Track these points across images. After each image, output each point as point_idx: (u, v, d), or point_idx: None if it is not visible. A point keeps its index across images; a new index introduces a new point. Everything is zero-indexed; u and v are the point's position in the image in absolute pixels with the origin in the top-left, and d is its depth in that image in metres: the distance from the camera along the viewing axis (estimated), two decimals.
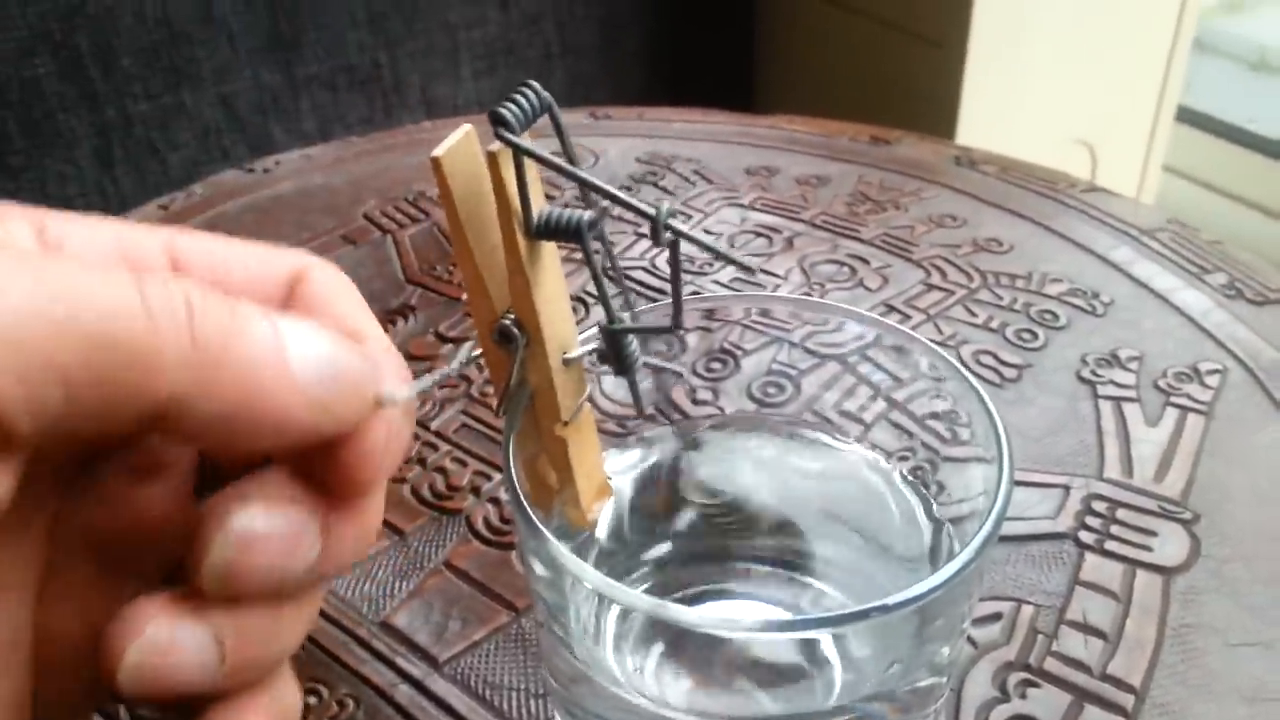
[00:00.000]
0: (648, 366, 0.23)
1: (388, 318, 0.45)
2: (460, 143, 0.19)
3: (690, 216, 0.51)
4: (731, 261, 0.18)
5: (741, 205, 0.52)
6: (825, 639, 0.25)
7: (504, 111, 0.19)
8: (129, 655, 0.17)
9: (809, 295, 0.44)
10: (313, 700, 0.29)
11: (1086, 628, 0.31)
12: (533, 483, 0.23)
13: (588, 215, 0.19)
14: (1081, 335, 0.43)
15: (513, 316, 0.21)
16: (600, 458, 0.24)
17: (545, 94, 0.19)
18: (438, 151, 0.19)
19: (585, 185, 0.19)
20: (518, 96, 0.19)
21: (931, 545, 0.26)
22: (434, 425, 0.39)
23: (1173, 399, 0.39)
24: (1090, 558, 0.33)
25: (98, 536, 0.19)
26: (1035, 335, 0.42)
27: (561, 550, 0.19)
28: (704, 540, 0.28)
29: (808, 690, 0.25)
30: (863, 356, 0.38)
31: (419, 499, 0.36)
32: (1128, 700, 0.29)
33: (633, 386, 0.23)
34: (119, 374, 0.15)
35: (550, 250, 0.20)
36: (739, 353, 0.41)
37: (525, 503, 0.20)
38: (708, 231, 0.50)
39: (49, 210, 0.19)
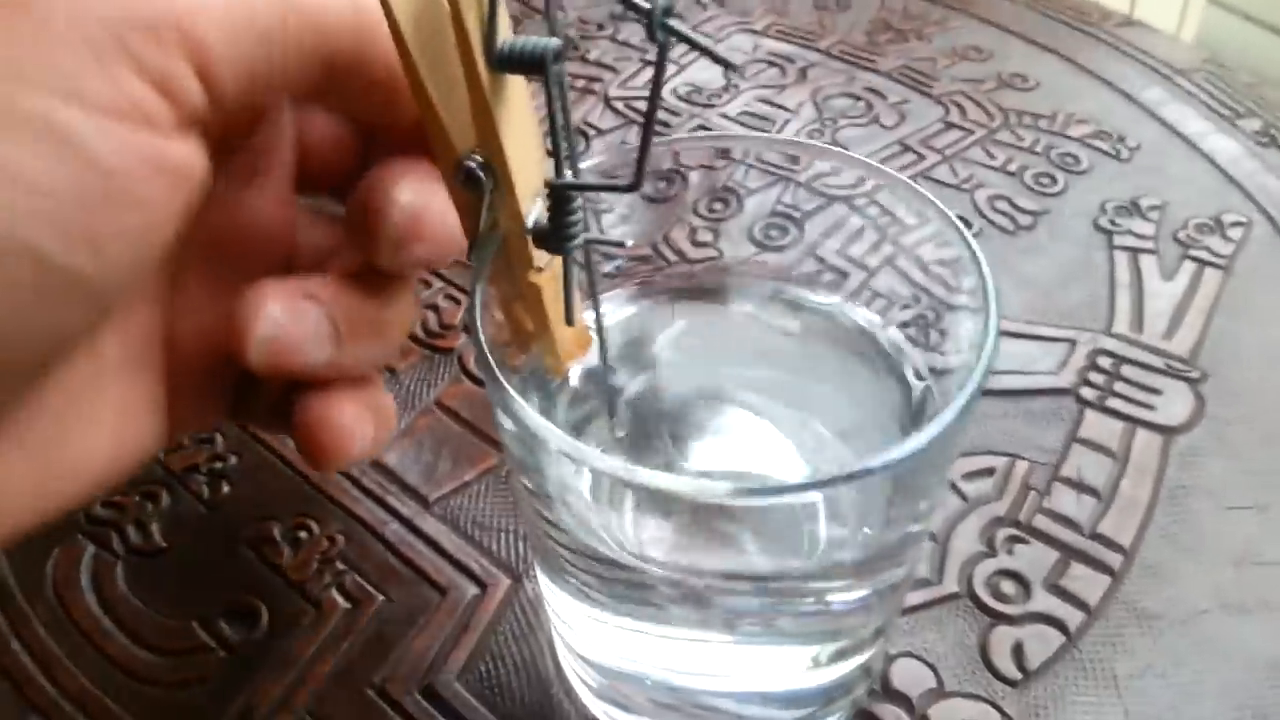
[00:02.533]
0: (591, 243, 0.21)
1: None
2: None
3: None
4: (718, 60, 0.17)
5: (754, 31, 0.49)
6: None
7: None
8: (260, 328, 0.19)
9: (820, 132, 0.42)
10: (303, 535, 0.29)
11: (1080, 485, 0.30)
12: (512, 325, 0.22)
13: (553, 43, 0.18)
14: (1103, 181, 0.41)
15: (478, 158, 0.19)
16: (576, 305, 0.23)
17: None
18: None
19: None
20: None
21: (919, 401, 0.25)
22: None
23: (1191, 251, 0.38)
24: (1090, 415, 0.32)
25: (212, 241, 0.20)
26: (1054, 180, 0.41)
27: (528, 411, 0.18)
28: (684, 380, 0.27)
29: (792, 538, 0.24)
30: (871, 199, 0.36)
31: (411, 337, 0.35)
32: (1115, 559, 0.29)
33: (566, 271, 0.21)
34: (299, 32, 0.17)
35: (518, 83, 0.19)
36: (742, 191, 0.39)
37: (490, 357, 0.20)
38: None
39: None
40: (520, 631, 0.27)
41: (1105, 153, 0.42)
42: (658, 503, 0.24)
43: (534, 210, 0.20)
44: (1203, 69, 0.47)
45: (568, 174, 0.19)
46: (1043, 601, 0.28)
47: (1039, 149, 0.42)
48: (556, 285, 0.21)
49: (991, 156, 0.42)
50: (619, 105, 0.44)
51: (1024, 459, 0.31)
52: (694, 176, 0.38)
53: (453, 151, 0.19)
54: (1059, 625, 0.27)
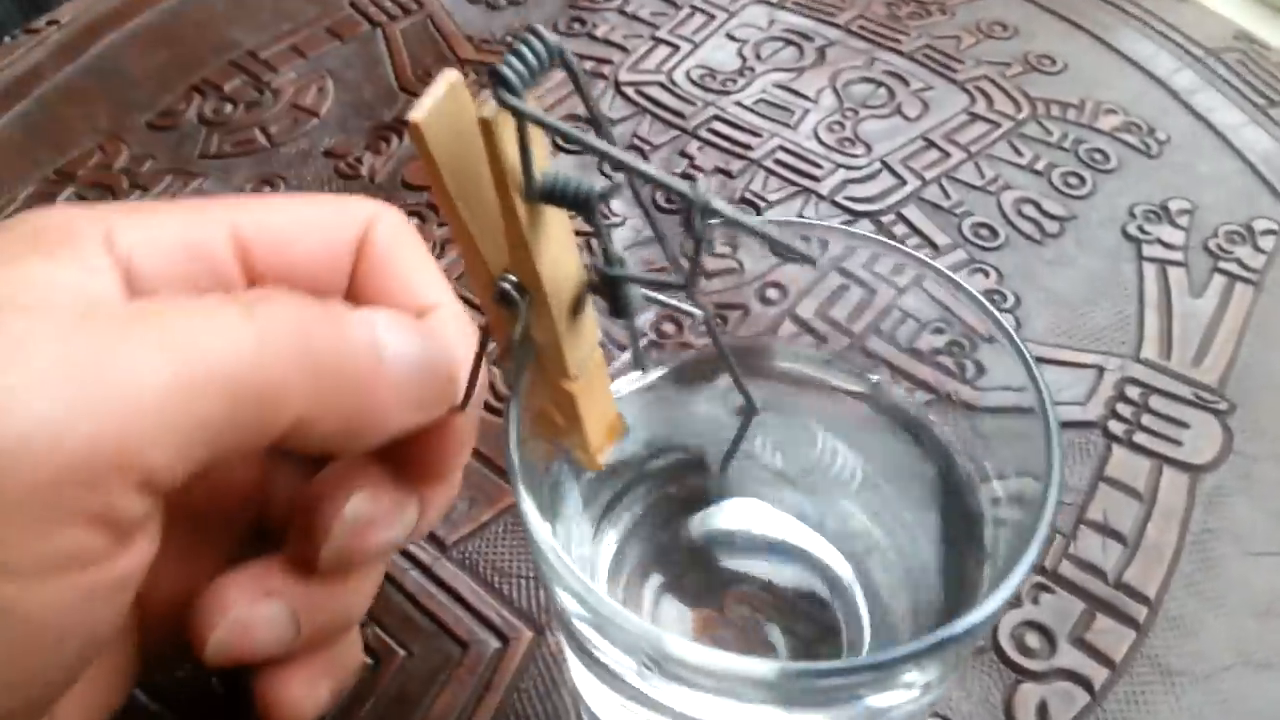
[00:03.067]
0: (650, 302, 0.20)
1: (379, 134, 0.41)
2: (444, 100, 0.16)
3: (713, 17, 0.46)
4: (789, 254, 0.15)
5: (770, 3, 0.47)
6: (854, 588, 0.24)
7: (505, 70, 0.15)
8: (216, 634, 0.19)
9: (841, 123, 0.41)
10: None
11: (1106, 529, 0.30)
12: (541, 422, 0.22)
13: (599, 186, 0.16)
14: (1132, 181, 0.39)
15: (513, 279, 0.18)
16: (611, 398, 0.22)
17: (554, 40, 0.16)
18: (416, 114, 0.15)
19: (611, 160, 0.16)
20: (521, 49, 0.15)
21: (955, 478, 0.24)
22: None
23: (1221, 264, 0.37)
24: (1117, 451, 0.32)
25: (188, 509, 0.19)
26: (1083, 180, 0.39)
27: (556, 552, 0.18)
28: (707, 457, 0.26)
29: (829, 628, 0.24)
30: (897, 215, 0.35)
31: None
32: (1140, 611, 0.28)
33: (632, 335, 0.21)
34: (253, 415, 0.16)
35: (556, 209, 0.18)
36: (762, 205, 0.38)
37: (522, 483, 0.19)
38: (730, 37, 0.45)
39: (109, 208, 0.18)
40: (544, 689, 0.27)
41: (1134, 148, 0.41)
42: (687, 581, 0.24)
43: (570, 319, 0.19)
44: (1235, 48, 0.45)
45: (623, 258, 0.18)
46: (1068, 656, 0.28)
47: (1067, 144, 0.41)
48: (589, 386, 0.21)
49: (1018, 153, 0.40)
50: (629, 92, 0.42)
51: (1027, 475, 0.31)
52: (712, 184, 0.37)
53: (487, 274, 0.18)
54: (1084, 683, 0.27)
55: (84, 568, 0.15)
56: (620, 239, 0.33)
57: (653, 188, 0.20)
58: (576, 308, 0.19)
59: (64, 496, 0.14)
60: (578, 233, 0.18)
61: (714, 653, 0.17)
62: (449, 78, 0.16)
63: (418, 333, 0.18)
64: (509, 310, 0.19)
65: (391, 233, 0.21)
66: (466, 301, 0.31)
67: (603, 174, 0.38)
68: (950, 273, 0.22)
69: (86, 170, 0.41)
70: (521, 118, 0.15)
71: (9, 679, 0.15)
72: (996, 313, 0.21)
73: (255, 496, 0.22)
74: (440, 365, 0.19)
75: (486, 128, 0.15)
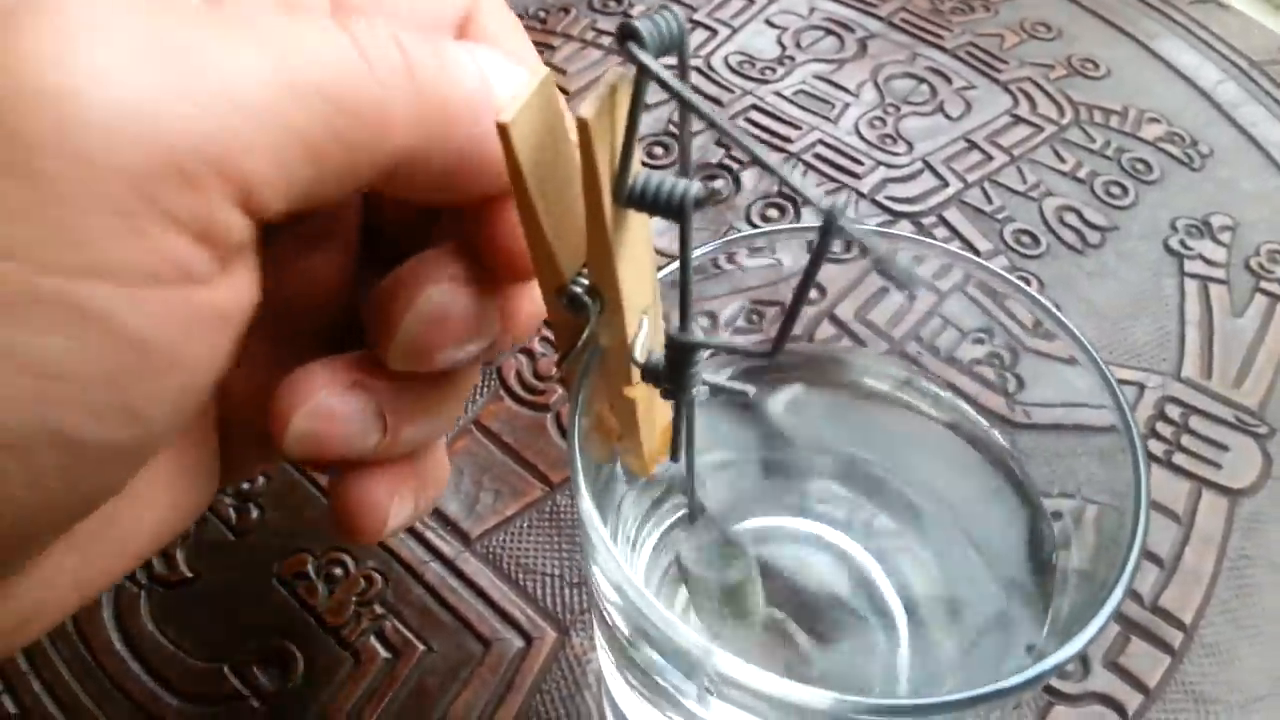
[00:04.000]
0: (708, 386, 0.19)
1: None
2: (532, 98, 0.15)
3: (752, 1, 0.45)
4: (901, 283, 0.15)
5: None
6: (896, 608, 0.23)
7: (641, 27, 0.14)
8: (296, 421, 0.17)
9: (883, 119, 0.40)
10: (338, 571, 0.28)
11: (1144, 553, 0.29)
12: (596, 427, 0.21)
13: (695, 188, 0.15)
14: (1174, 193, 0.39)
15: (585, 283, 0.17)
16: (667, 406, 0.21)
17: (684, 25, 0.15)
18: (504, 116, 0.14)
19: (747, 152, 0.15)
20: (658, 18, 0.14)
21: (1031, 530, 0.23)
22: None
23: (1263, 284, 0.36)
24: (1157, 472, 0.31)
25: (269, 304, 0.18)
26: (1125, 190, 0.38)
27: (620, 564, 0.17)
28: (763, 461, 0.26)
29: (868, 645, 0.23)
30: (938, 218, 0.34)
31: None
32: (1175, 637, 0.28)
33: (680, 415, 0.19)
34: (357, 135, 0.14)
35: (640, 214, 0.17)
36: (799, 200, 0.37)
37: (585, 487, 0.18)
38: (770, 23, 0.44)
39: None
40: (567, 691, 0.26)
41: (1177, 159, 0.40)
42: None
43: (640, 335, 0.18)
44: (1279, 60, 0.45)
45: (694, 330, 0.17)
46: (1102, 680, 0.27)
47: (1109, 152, 0.40)
48: (650, 397, 0.20)
49: (1061, 159, 0.39)
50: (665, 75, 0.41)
51: (1096, 502, 0.30)
52: (747, 178, 0.36)
53: (560, 276, 0.17)
54: (1117, 707, 0.27)
55: (186, 283, 0.13)
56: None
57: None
58: (646, 314, 0.18)
59: (160, 192, 0.13)
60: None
61: (766, 676, 0.16)
62: (539, 75, 0.15)
63: (525, 70, 0.17)
64: (577, 314, 0.18)
65: (495, 17, 0.19)
66: None
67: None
68: (1029, 289, 0.21)
69: None
70: (646, 75, 0.14)
71: (107, 400, 0.13)
72: (1075, 328, 0.20)
73: (345, 291, 0.20)
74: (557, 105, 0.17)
75: (584, 127, 0.14)
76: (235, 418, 0.19)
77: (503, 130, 0.15)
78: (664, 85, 0.14)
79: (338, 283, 0.20)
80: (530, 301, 0.19)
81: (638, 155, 0.16)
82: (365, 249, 0.20)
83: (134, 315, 0.13)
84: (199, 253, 0.13)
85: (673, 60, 0.15)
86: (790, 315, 0.15)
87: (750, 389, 0.19)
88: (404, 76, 0.15)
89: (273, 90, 0.13)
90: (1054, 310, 0.21)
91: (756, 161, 0.14)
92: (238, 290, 0.15)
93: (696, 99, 0.14)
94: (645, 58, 0.14)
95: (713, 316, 0.26)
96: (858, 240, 0.14)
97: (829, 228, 0.14)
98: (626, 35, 0.14)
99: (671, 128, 0.38)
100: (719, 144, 0.38)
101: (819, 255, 0.14)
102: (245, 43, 0.13)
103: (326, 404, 0.17)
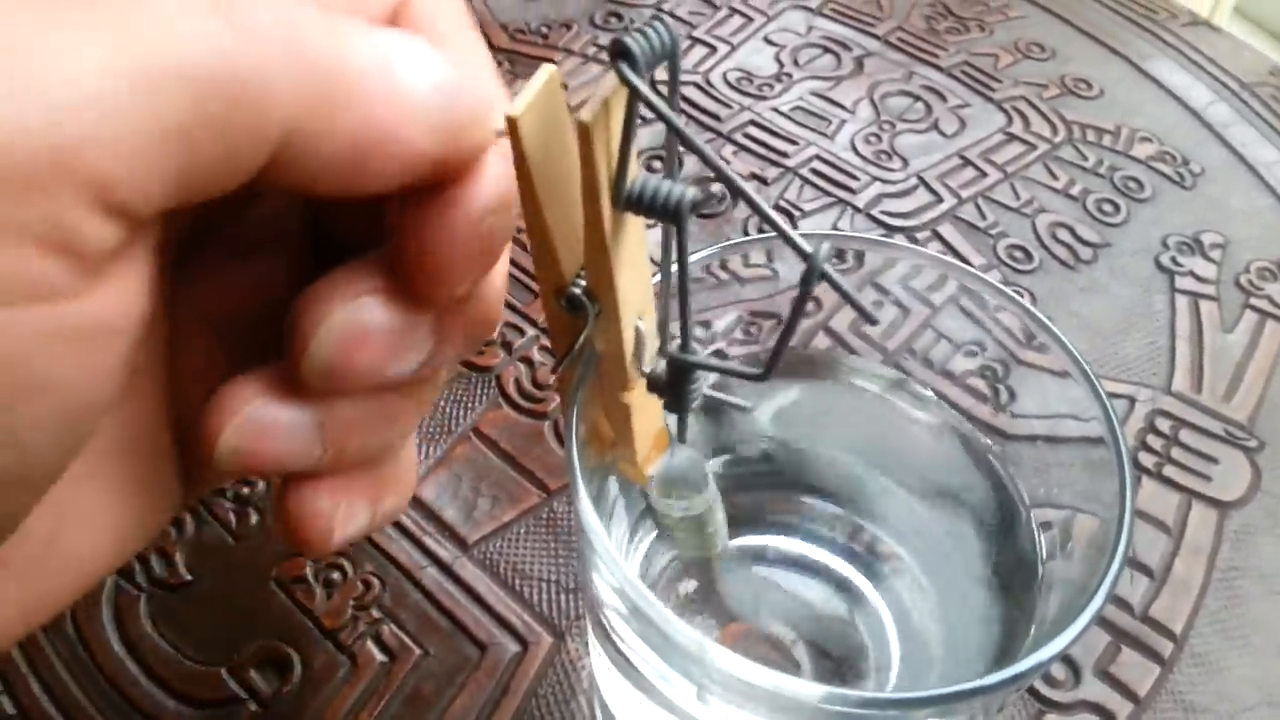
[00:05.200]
0: (708, 399, 0.19)
1: None
2: (540, 94, 0.15)
3: (750, 20, 0.45)
4: (865, 315, 0.15)
5: (809, 9, 0.46)
6: (885, 615, 0.23)
7: (633, 45, 0.14)
8: (225, 436, 0.16)
9: (878, 136, 0.40)
10: (335, 576, 0.28)
11: (1133, 562, 0.30)
12: (590, 433, 0.21)
13: (691, 193, 0.16)
14: (1165, 211, 0.39)
15: (584, 284, 0.18)
16: (661, 411, 0.21)
17: (675, 35, 0.15)
18: (514, 110, 0.15)
19: (727, 182, 0.15)
20: (649, 31, 0.15)
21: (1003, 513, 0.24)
22: None
23: (1252, 300, 0.36)
24: (1147, 483, 0.31)
25: (214, 316, 0.18)
26: (1117, 208, 0.39)
27: (619, 565, 0.17)
28: (756, 471, 0.26)
29: (856, 647, 0.24)
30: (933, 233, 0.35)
31: None
32: (1165, 647, 0.28)
33: (681, 424, 0.20)
34: (230, 116, 0.13)
35: (637, 218, 0.17)
36: (796, 214, 0.37)
37: (583, 490, 0.18)
38: (768, 41, 0.44)
39: None
40: (562, 696, 0.26)
41: (1169, 178, 0.40)
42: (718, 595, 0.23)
43: (647, 345, 0.18)
44: (1270, 83, 0.45)
45: (699, 349, 0.17)
46: (1093, 689, 0.27)
47: (1102, 170, 0.40)
48: (644, 399, 0.20)
49: (1054, 177, 0.40)
50: (665, 90, 0.41)
51: (1085, 512, 0.30)
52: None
53: (561, 276, 0.18)
54: (1108, 716, 0.27)
55: (41, 299, 0.12)
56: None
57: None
58: (642, 319, 0.19)
59: (1, 204, 0.11)
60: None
61: (758, 669, 0.16)
62: (546, 71, 0.15)
63: (440, 55, 0.15)
64: (575, 316, 0.18)
65: (432, 3, 0.18)
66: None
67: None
68: (1021, 300, 0.22)
69: None
70: (637, 97, 0.15)
71: None
72: (1065, 340, 0.21)
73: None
74: (469, 91, 0.15)
75: (584, 131, 0.15)
76: (192, 432, 0.18)
77: (511, 124, 0.15)
78: (652, 108, 0.15)
79: (287, 291, 0.18)
80: (468, 314, 0.18)
81: (637, 165, 0.16)
82: (317, 257, 0.19)
83: None
84: (53, 264, 0.12)
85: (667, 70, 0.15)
86: (783, 339, 0.16)
87: (748, 405, 0.19)
88: (287, 51, 0.13)
89: (120, 78, 0.12)
90: (1045, 322, 0.22)
91: (736, 191, 0.15)
92: (116, 302, 0.13)
93: (680, 122, 0.15)
94: (635, 80, 0.14)
95: (707, 326, 0.27)
96: (842, 293, 0.15)
97: (810, 275, 0.14)
98: (618, 54, 0.14)
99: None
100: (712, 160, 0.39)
101: (803, 299, 0.14)
102: (86, 28, 0.12)
103: (257, 418, 0.16)
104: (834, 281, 0.14)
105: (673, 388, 0.17)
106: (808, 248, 0.14)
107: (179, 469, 0.18)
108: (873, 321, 0.15)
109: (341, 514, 0.18)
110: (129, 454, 0.17)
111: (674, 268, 0.17)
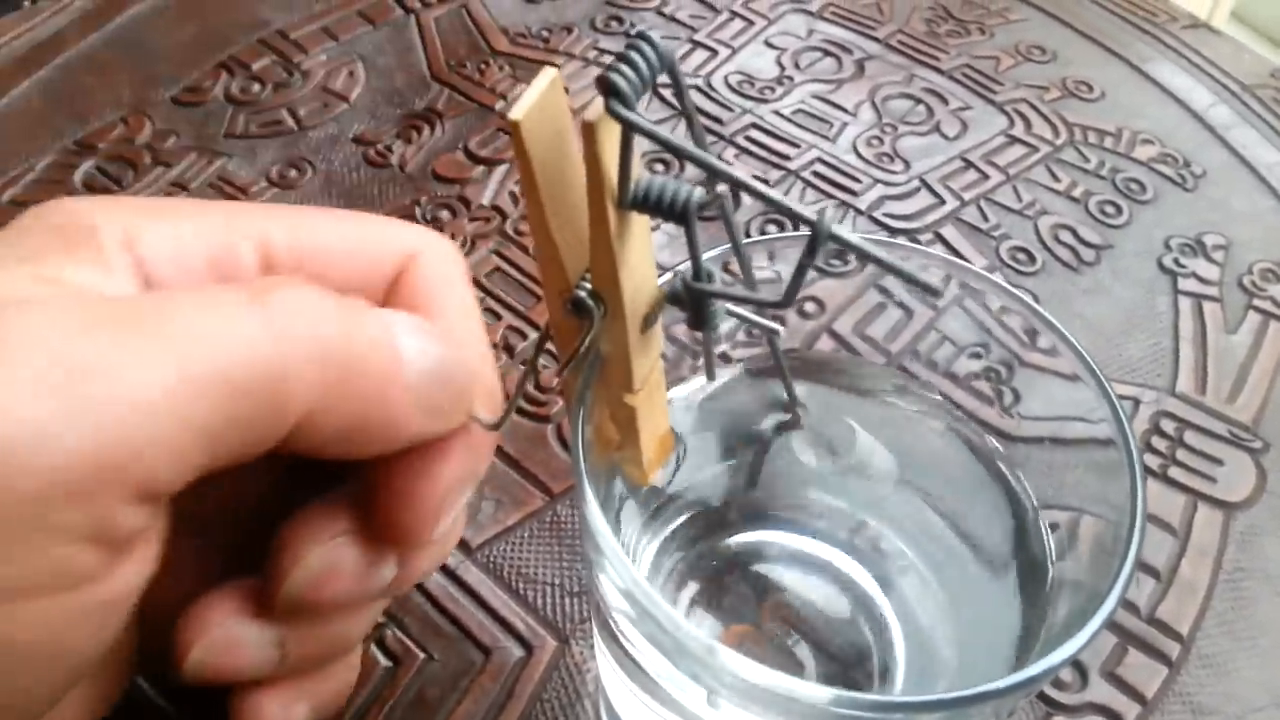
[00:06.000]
0: (734, 317, 0.19)
1: (410, 123, 0.40)
2: (543, 96, 0.15)
3: (751, 23, 0.45)
4: (914, 281, 0.15)
5: (809, 13, 0.46)
6: (890, 616, 0.23)
7: (618, 80, 0.14)
8: (194, 652, 0.18)
9: (880, 138, 0.40)
10: None
11: (1140, 564, 0.30)
12: (595, 435, 0.21)
13: (698, 194, 0.16)
14: (1167, 213, 0.39)
15: (588, 287, 0.18)
16: (666, 413, 0.21)
17: (666, 49, 0.15)
18: (516, 113, 0.15)
19: (728, 179, 0.15)
20: (633, 56, 0.15)
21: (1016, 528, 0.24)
22: None
23: (1255, 301, 0.36)
24: (1153, 485, 0.31)
25: (195, 516, 0.19)
26: (1119, 210, 0.39)
27: (626, 566, 0.17)
28: (759, 473, 0.26)
29: (861, 649, 0.24)
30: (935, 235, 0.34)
31: None
32: (1173, 648, 0.28)
33: (707, 347, 0.20)
34: (258, 410, 0.14)
35: (640, 216, 0.17)
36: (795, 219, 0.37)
37: (590, 492, 0.18)
38: (769, 44, 0.44)
39: (134, 206, 0.17)
40: (567, 700, 0.26)
41: (1170, 179, 0.40)
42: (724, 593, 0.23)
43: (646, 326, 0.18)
44: (1270, 85, 0.45)
45: (714, 272, 0.18)
46: (1100, 691, 0.27)
47: (1104, 172, 0.40)
48: (649, 400, 0.20)
49: (1056, 178, 0.40)
50: (666, 94, 0.41)
51: (1091, 514, 0.30)
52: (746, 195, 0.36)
53: (565, 280, 0.18)
54: (1116, 718, 0.27)
55: (75, 587, 0.14)
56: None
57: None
58: (648, 320, 0.18)
59: (52, 511, 0.13)
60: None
61: (767, 672, 0.16)
62: (548, 75, 0.15)
63: (439, 338, 0.17)
64: (581, 318, 0.18)
65: (437, 267, 0.20)
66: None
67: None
68: (1029, 300, 0.21)
69: (108, 143, 0.40)
70: (632, 130, 0.15)
71: None
72: (1075, 342, 0.21)
73: (273, 508, 0.20)
74: (460, 373, 0.18)
75: (589, 132, 0.15)
76: (158, 620, 0.19)
77: (514, 128, 0.15)
78: (649, 136, 0.15)
79: (261, 503, 0.20)
80: (431, 552, 0.19)
81: (638, 163, 0.16)
82: (293, 469, 0.20)
83: (18, 627, 0.13)
84: (92, 555, 0.14)
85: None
86: (798, 274, 0.16)
87: (779, 328, 0.19)
88: (314, 350, 0.15)
89: (174, 391, 0.13)
90: (1054, 323, 0.22)
91: (741, 186, 0.15)
92: (135, 574, 0.15)
93: (679, 142, 0.15)
94: (627, 114, 0.14)
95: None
96: (854, 246, 0.15)
97: (820, 236, 0.14)
98: (607, 92, 0.14)
99: None
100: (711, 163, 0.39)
101: (810, 255, 0.14)
102: (151, 344, 0.14)
103: (225, 636, 0.18)
104: (843, 240, 0.14)
105: (694, 309, 0.18)
106: (811, 215, 0.14)
107: (135, 650, 0.20)
108: (936, 292, 0.15)
109: (286, 716, 0.20)
110: (102, 659, 0.18)
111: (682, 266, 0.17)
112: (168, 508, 0.15)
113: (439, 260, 0.20)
